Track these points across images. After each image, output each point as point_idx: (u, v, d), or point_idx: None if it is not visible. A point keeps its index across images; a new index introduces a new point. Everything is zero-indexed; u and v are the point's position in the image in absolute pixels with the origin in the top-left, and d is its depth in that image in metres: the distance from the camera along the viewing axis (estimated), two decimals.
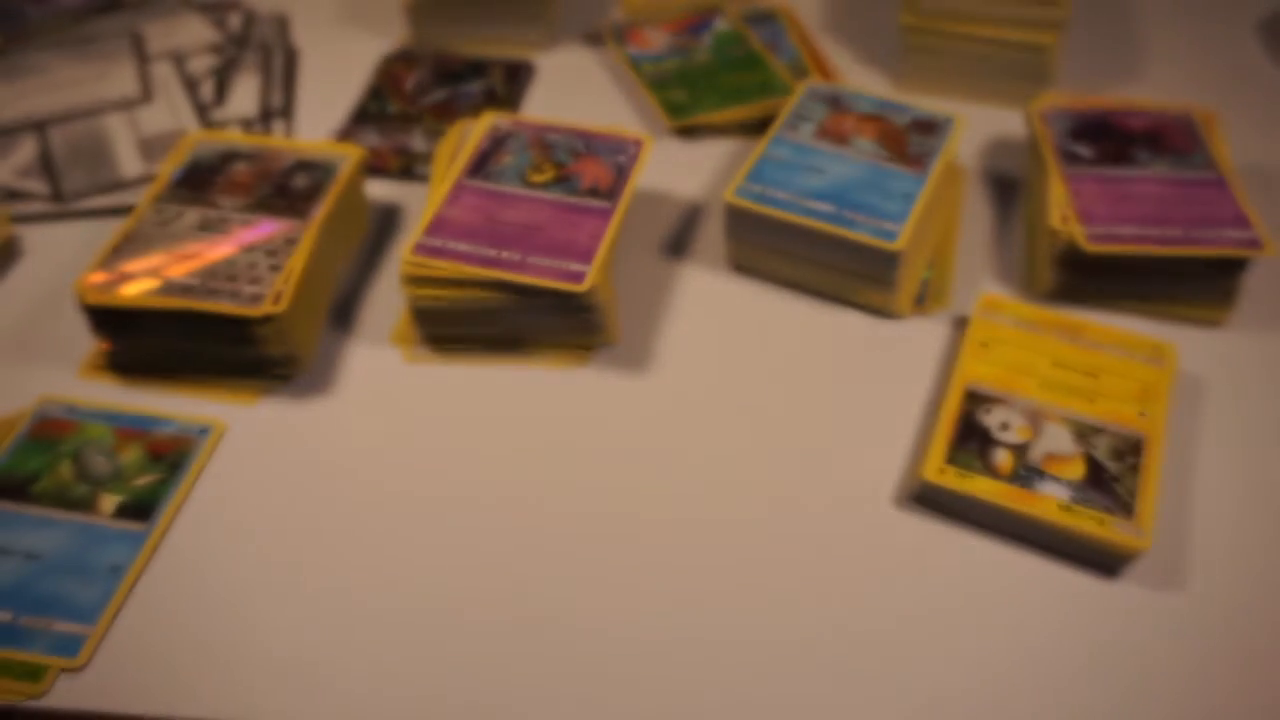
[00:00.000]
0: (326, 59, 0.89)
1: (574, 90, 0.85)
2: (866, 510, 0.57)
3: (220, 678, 0.50)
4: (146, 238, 0.64)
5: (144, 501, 0.57)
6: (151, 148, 0.80)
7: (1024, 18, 0.78)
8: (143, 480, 0.58)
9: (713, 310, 0.67)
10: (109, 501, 0.57)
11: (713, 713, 0.49)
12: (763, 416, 0.61)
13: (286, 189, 0.67)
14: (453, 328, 0.64)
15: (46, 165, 0.78)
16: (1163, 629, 0.52)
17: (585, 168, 0.68)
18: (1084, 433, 0.57)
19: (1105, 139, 0.70)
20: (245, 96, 0.85)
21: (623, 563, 0.54)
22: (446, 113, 0.82)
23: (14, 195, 0.76)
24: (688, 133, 0.80)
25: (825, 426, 0.61)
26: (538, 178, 0.67)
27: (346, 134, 0.81)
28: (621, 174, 0.67)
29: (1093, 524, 0.53)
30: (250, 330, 0.60)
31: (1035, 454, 0.56)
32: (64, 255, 0.72)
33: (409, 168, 0.78)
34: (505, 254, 0.62)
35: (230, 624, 0.52)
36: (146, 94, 0.85)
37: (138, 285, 0.61)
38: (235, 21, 0.92)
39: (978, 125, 0.79)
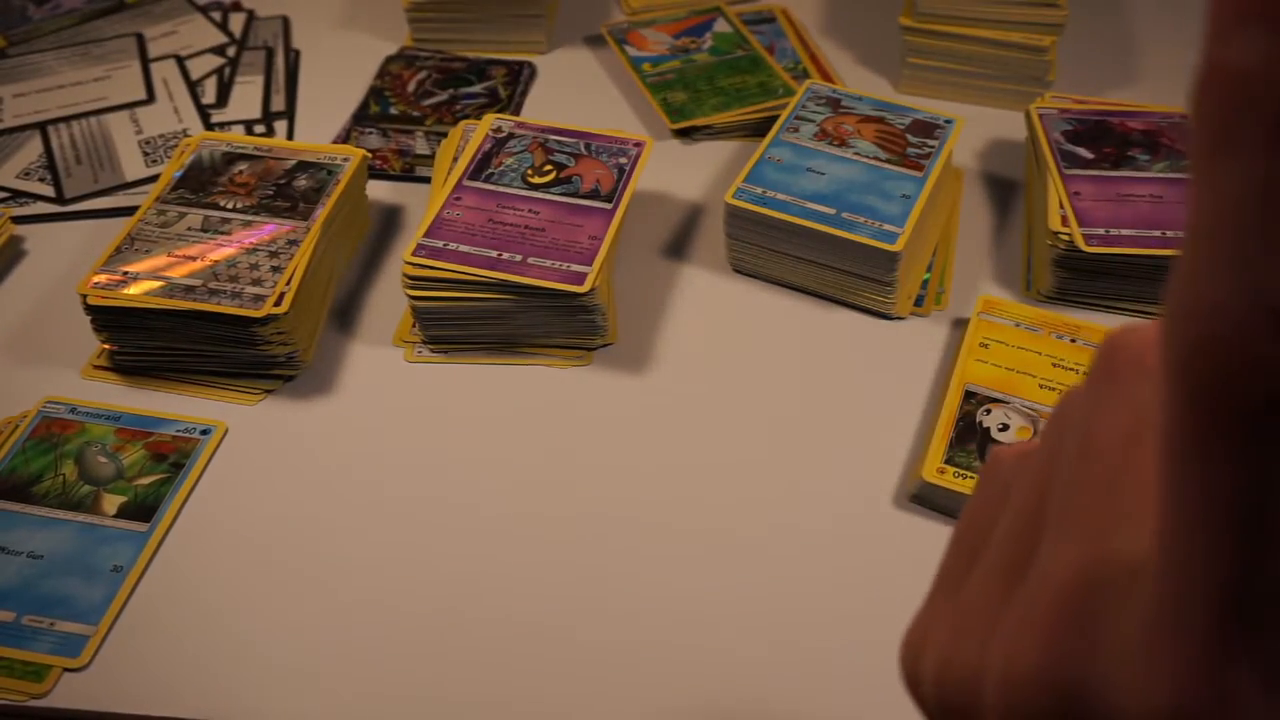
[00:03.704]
0: (328, 60, 0.89)
1: (575, 92, 0.86)
2: (866, 510, 0.57)
3: (222, 678, 0.50)
4: (149, 239, 0.64)
5: (146, 502, 0.57)
6: (154, 149, 0.80)
7: (1023, 20, 0.78)
8: (145, 480, 0.58)
9: (713, 311, 0.68)
10: (111, 502, 0.57)
11: (711, 711, 0.49)
12: (762, 417, 0.61)
13: (288, 190, 0.67)
14: (454, 328, 0.64)
15: (49, 166, 0.79)
16: None
17: (586, 169, 0.68)
18: None
19: (1104, 141, 0.70)
20: (247, 98, 0.85)
21: (622, 561, 0.55)
22: (448, 114, 0.82)
23: (17, 196, 0.77)
24: (688, 134, 0.80)
25: (824, 427, 0.61)
26: (539, 179, 0.67)
27: (348, 135, 0.81)
28: (622, 175, 0.67)
29: None
30: (252, 331, 0.60)
31: None
32: (67, 256, 0.72)
33: (410, 169, 0.78)
34: (506, 255, 0.62)
35: (232, 624, 0.52)
36: (149, 95, 0.85)
37: (140, 286, 0.61)
38: (237, 23, 0.92)
39: (977, 127, 0.80)
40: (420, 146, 0.80)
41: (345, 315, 0.68)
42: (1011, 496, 0.20)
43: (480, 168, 0.68)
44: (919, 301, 0.67)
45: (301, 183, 0.68)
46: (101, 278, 0.61)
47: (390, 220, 0.75)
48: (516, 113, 0.83)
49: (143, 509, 0.57)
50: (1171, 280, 0.13)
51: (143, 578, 0.54)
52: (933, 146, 0.69)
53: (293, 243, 0.64)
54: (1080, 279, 0.65)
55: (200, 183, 0.68)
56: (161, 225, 0.65)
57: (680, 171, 0.77)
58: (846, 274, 0.65)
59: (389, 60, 0.88)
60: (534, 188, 0.67)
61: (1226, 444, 0.12)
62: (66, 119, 0.83)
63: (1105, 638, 0.15)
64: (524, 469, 0.59)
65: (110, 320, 0.62)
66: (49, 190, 0.77)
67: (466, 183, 0.67)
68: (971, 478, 0.55)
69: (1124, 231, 0.64)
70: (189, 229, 0.65)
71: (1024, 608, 0.17)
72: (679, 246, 0.72)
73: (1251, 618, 0.13)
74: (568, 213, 0.65)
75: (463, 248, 0.62)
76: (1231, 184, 0.12)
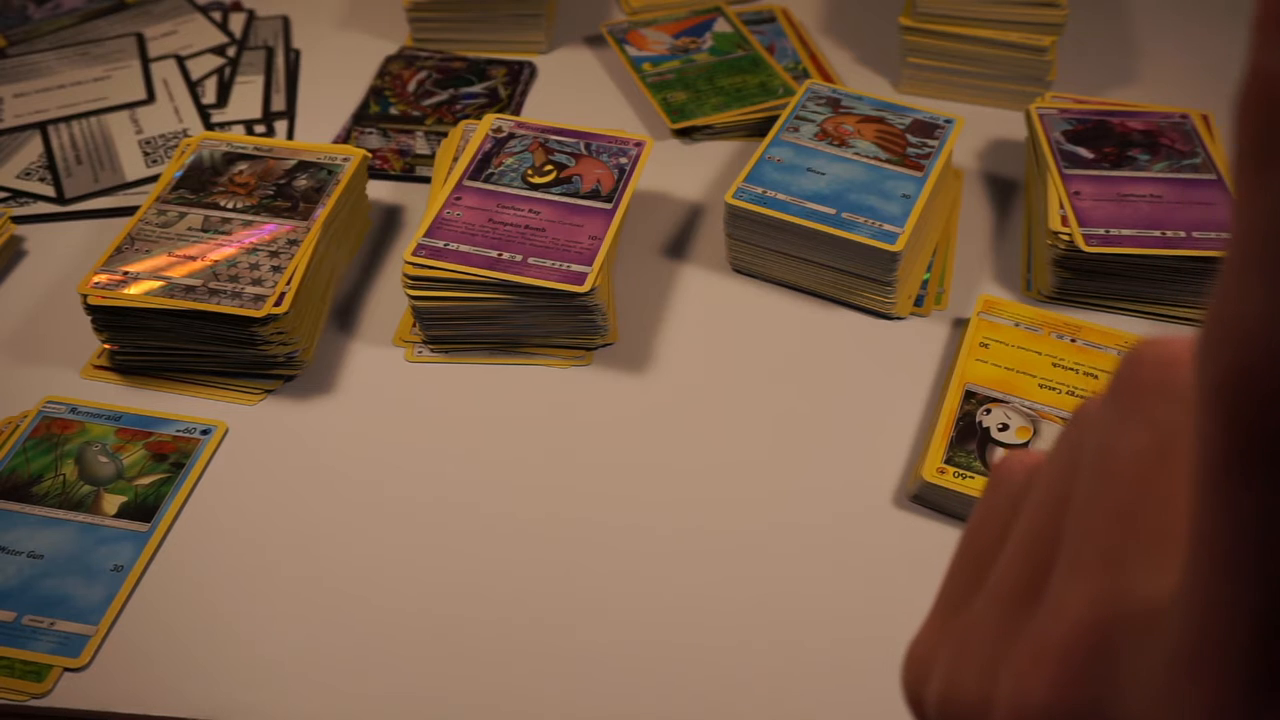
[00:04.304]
0: (328, 60, 0.89)
1: (575, 92, 0.86)
2: (866, 510, 0.57)
3: (222, 678, 0.50)
4: (149, 238, 0.64)
5: (147, 501, 0.57)
6: (154, 149, 0.80)
7: (1023, 20, 0.79)
8: (145, 480, 0.58)
9: (713, 310, 0.68)
10: (111, 502, 0.57)
11: (711, 709, 0.49)
12: (762, 417, 0.61)
13: (288, 190, 0.67)
14: (454, 328, 0.64)
15: (49, 166, 0.79)
16: None
17: (586, 169, 0.68)
18: None
19: (1104, 141, 0.70)
20: (247, 98, 0.85)
21: (622, 561, 0.55)
22: (448, 114, 0.82)
23: (17, 196, 0.77)
24: (688, 134, 0.80)
25: (825, 427, 0.61)
26: (539, 179, 0.67)
27: (348, 135, 0.81)
28: (622, 175, 0.67)
29: None
30: (252, 331, 0.60)
31: None
32: (67, 256, 0.72)
33: (411, 169, 0.78)
34: (506, 255, 0.62)
35: (232, 624, 0.52)
36: (149, 95, 0.85)
37: (140, 286, 0.61)
38: (237, 23, 0.92)
39: (977, 127, 0.80)
40: (420, 146, 0.80)
41: (345, 315, 0.68)
42: (1022, 512, 0.19)
43: (480, 168, 0.68)
44: (919, 301, 0.67)
45: (302, 183, 0.68)
46: (102, 278, 0.61)
47: (390, 220, 0.75)
48: (516, 113, 0.83)
49: (143, 509, 0.57)
50: (1210, 298, 0.12)
51: (143, 578, 0.54)
52: (933, 146, 0.69)
53: (293, 243, 0.64)
54: (1080, 279, 0.65)
55: (200, 183, 0.68)
56: (162, 225, 0.65)
57: (680, 171, 0.77)
58: (846, 274, 0.65)
59: (389, 60, 0.88)
60: (534, 188, 0.67)
61: (1260, 475, 0.12)
62: (66, 119, 0.83)
63: (1124, 678, 0.15)
64: (524, 469, 0.59)
65: (110, 320, 0.62)
66: (49, 190, 0.77)
67: (467, 183, 0.67)
68: (972, 478, 0.55)
69: (1124, 231, 0.64)
70: (189, 229, 0.65)
71: (1036, 639, 0.16)
72: (679, 246, 0.72)
73: None
74: (568, 213, 0.65)
75: (463, 248, 0.62)
76: (1274, 198, 0.11)
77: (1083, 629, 0.16)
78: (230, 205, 0.66)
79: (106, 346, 0.64)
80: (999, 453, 0.56)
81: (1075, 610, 0.16)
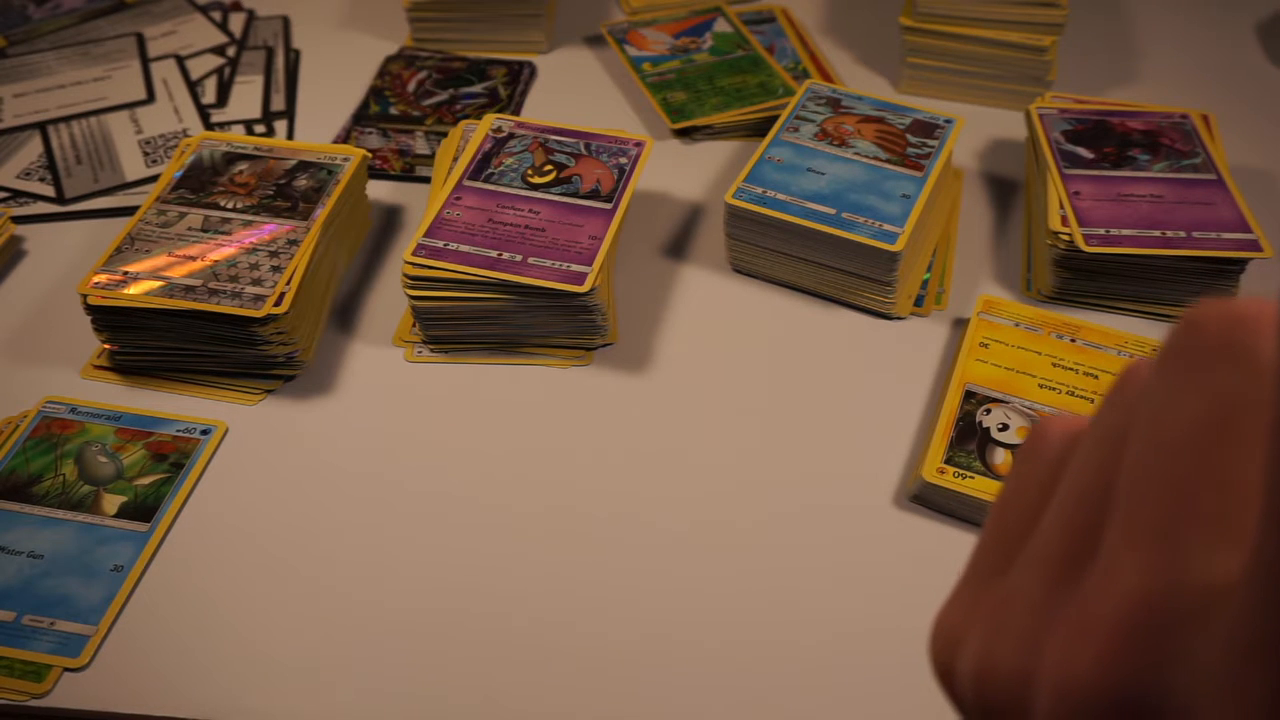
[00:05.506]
0: (328, 60, 0.89)
1: (575, 92, 0.86)
2: (866, 510, 0.57)
3: (222, 678, 0.50)
4: (149, 238, 0.64)
5: (146, 501, 0.57)
6: (154, 148, 0.80)
7: (1023, 20, 0.79)
8: (145, 480, 0.58)
9: (713, 310, 0.68)
10: (111, 502, 0.57)
11: (710, 708, 0.49)
12: (762, 417, 0.61)
13: (288, 190, 0.67)
14: (454, 328, 0.64)
15: (49, 166, 0.79)
16: None
17: (586, 169, 0.68)
18: None
19: (1104, 141, 0.70)
20: (247, 98, 0.85)
21: (622, 560, 0.55)
22: (448, 114, 0.82)
23: (17, 196, 0.77)
24: (688, 134, 0.80)
25: (824, 427, 0.61)
26: (539, 179, 0.67)
27: (348, 135, 0.81)
28: (622, 175, 0.67)
29: None
30: (252, 331, 0.60)
31: None
32: (67, 256, 0.72)
33: (411, 169, 0.78)
34: (506, 255, 0.62)
35: (232, 624, 0.52)
36: (149, 95, 0.85)
37: (140, 286, 0.61)
38: (237, 23, 0.92)
39: (977, 127, 0.80)
40: (420, 146, 0.80)
41: (345, 315, 0.68)
42: (1063, 478, 0.18)
43: (480, 168, 0.68)
44: (919, 301, 0.67)
45: (302, 183, 0.68)
46: (102, 278, 0.61)
47: (390, 220, 0.75)
48: (516, 113, 0.83)
49: (143, 509, 0.57)
50: None
51: (143, 578, 0.54)
52: (933, 146, 0.69)
53: (293, 242, 0.64)
54: (1080, 279, 0.65)
55: (200, 183, 0.68)
56: (162, 225, 0.65)
57: (680, 171, 0.77)
58: (846, 274, 0.65)
59: (389, 60, 0.88)
60: (534, 188, 0.67)
61: None
62: (66, 119, 0.83)
63: (1179, 660, 0.14)
64: (524, 468, 0.59)
65: (110, 320, 0.62)
66: (49, 190, 0.77)
67: (466, 183, 0.67)
68: (971, 478, 0.55)
69: (1124, 231, 0.64)
70: (189, 229, 0.65)
71: (1084, 610, 0.16)
72: (679, 246, 0.72)
73: None
74: (568, 213, 0.65)
75: (463, 248, 0.62)
76: None
77: (1134, 602, 0.15)
78: (230, 205, 0.66)
79: (106, 346, 0.64)
80: (999, 453, 0.56)
81: (1127, 582, 0.15)
